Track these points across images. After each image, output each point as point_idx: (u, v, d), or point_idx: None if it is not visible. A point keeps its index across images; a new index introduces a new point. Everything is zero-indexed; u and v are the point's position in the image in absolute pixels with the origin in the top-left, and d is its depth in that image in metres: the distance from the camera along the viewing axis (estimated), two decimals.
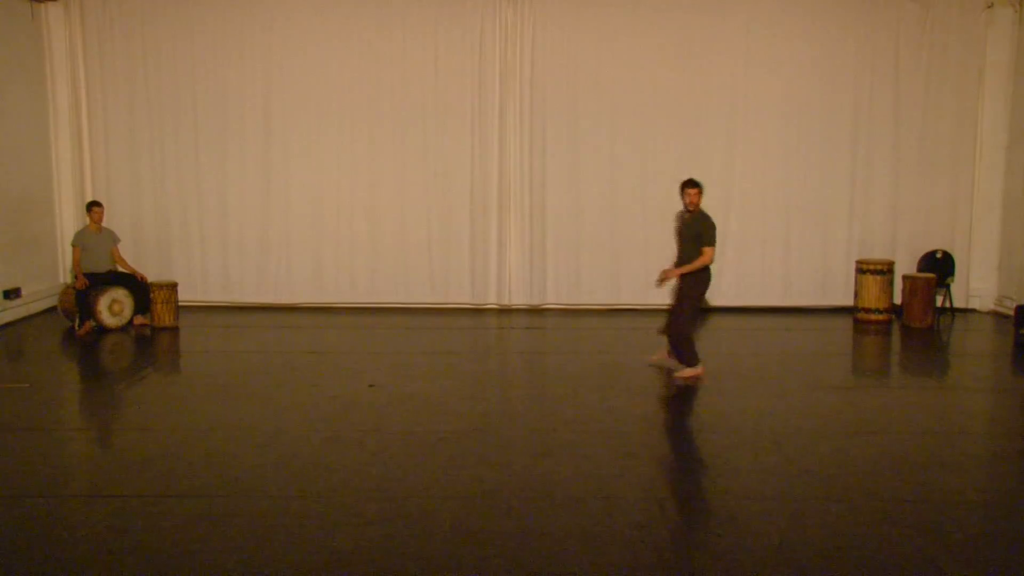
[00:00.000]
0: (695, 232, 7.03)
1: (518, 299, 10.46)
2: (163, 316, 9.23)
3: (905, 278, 9.60)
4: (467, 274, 10.45)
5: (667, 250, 10.14)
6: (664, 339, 7.44)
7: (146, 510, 4.39)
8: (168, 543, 4.01)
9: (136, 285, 9.23)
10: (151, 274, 9.70)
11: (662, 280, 7.17)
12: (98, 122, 10.38)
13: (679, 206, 10.11)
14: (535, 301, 10.46)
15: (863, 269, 9.69)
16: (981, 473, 5.14)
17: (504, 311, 10.36)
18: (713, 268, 7.18)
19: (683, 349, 7.16)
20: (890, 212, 10.24)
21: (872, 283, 9.59)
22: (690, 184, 7.10)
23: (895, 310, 9.76)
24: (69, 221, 10.42)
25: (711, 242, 6.98)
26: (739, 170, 10.27)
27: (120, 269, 9.37)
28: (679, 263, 7.14)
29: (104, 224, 9.45)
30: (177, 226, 10.48)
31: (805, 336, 9.12)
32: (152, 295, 9.22)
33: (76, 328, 8.93)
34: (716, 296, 10.39)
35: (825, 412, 6.24)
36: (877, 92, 10.10)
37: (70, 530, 4.20)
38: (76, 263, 9.09)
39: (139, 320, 9.22)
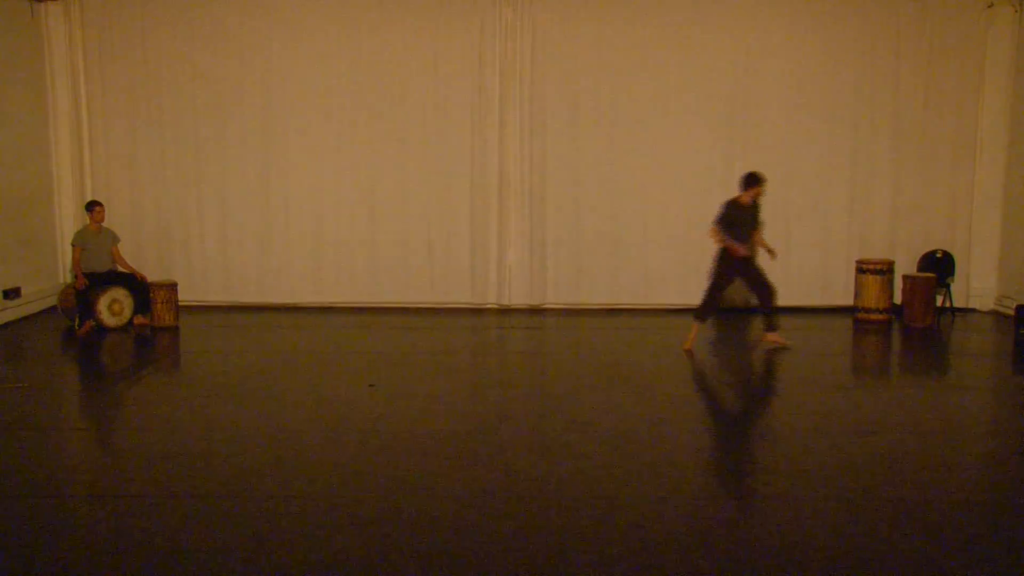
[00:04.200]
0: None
1: (518, 299, 10.47)
2: (163, 316, 9.23)
3: (905, 278, 9.61)
4: (467, 274, 10.45)
5: (666, 250, 10.30)
6: (695, 324, 8.15)
7: (146, 510, 4.39)
8: (168, 543, 4.01)
9: (136, 285, 9.23)
10: (151, 274, 9.71)
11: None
12: (98, 122, 10.39)
13: (679, 206, 10.24)
14: (535, 301, 10.46)
15: (863, 269, 9.69)
16: (981, 473, 5.14)
17: (504, 311, 10.36)
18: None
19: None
20: (890, 212, 10.25)
21: (872, 283, 9.59)
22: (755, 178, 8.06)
23: (895, 310, 9.76)
24: (69, 221, 10.43)
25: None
26: (739, 170, 10.22)
27: (120, 269, 9.37)
28: (750, 247, 8.01)
29: (104, 223, 9.45)
30: (177, 226, 10.48)
31: (805, 336, 9.11)
32: (152, 295, 9.22)
33: (76, 328, 8.93)
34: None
35: (825, 412, 6.24)
36: (877, 92, 10.10)
37: (70, 530, 4.20)
38: (76, 263, 9.09)
39: (139, 320, 9.22)
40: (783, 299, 10.26)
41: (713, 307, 8.18)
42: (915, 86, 10.08)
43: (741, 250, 7.81)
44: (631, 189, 10.29)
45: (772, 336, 8.24)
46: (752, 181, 7.95)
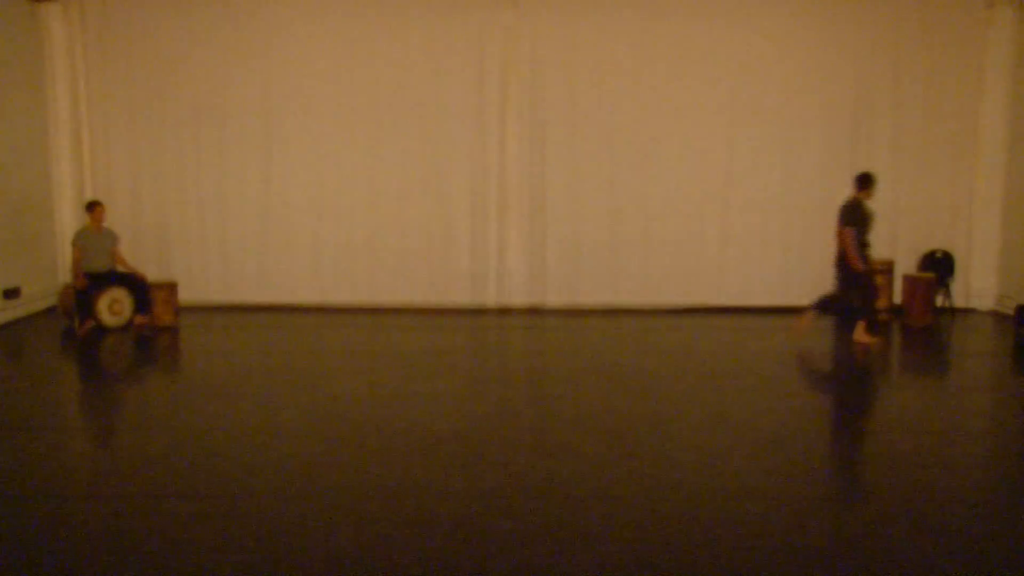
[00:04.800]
0: None
1: (518, 299, 10.47)
2: (163, 316, 9.23)
3: (905, 278, 9.61)
4: (467, 274, 10.45)
5: (666, 250, 10.29)
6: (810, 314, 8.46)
7: (146, 510, 4.39)
8: (168, 543, 4.01)
9: (136, 285, 9.23)
10: (151, 274, 9.70)
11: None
12: (98, 122, 10.40)
13: (679, 206, 10.25)
14: (535, 301, 10.46)
15: None
16: (981, 473, 5.14)
17: (504, 311, 10.36)
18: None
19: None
20: (890, 212, 10.24)
21: None
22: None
23: (895, 310, 9.76)
24: (68, 221, 10.43)
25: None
26: (739, 170, 10.27)
27: (120, 269, 9.37)
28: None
29: (104, 223, 9.44)
30: (177, 226, 10.49)
31: (805, 336, 9.11)
32: (152, 295, 9.22)
33: (76, 328, 8.93)
34: (718, 296, 10.41)
35: (825, 412, 6.24)
36: (877, 92, 10.11)
37: (70, 530, 4.20)
38: (76, 262, 9.08)
39: (139, 320, 9.21)
40: (783, 299, 10.32)
41: (838, 307, 8.35)
42: (915, 86, 10.08)
43: (859, 264, 7.98)
44: (631, 190, 10.29)
45: (867, 337, 8.33)
46: (870, 181, 8.13)
